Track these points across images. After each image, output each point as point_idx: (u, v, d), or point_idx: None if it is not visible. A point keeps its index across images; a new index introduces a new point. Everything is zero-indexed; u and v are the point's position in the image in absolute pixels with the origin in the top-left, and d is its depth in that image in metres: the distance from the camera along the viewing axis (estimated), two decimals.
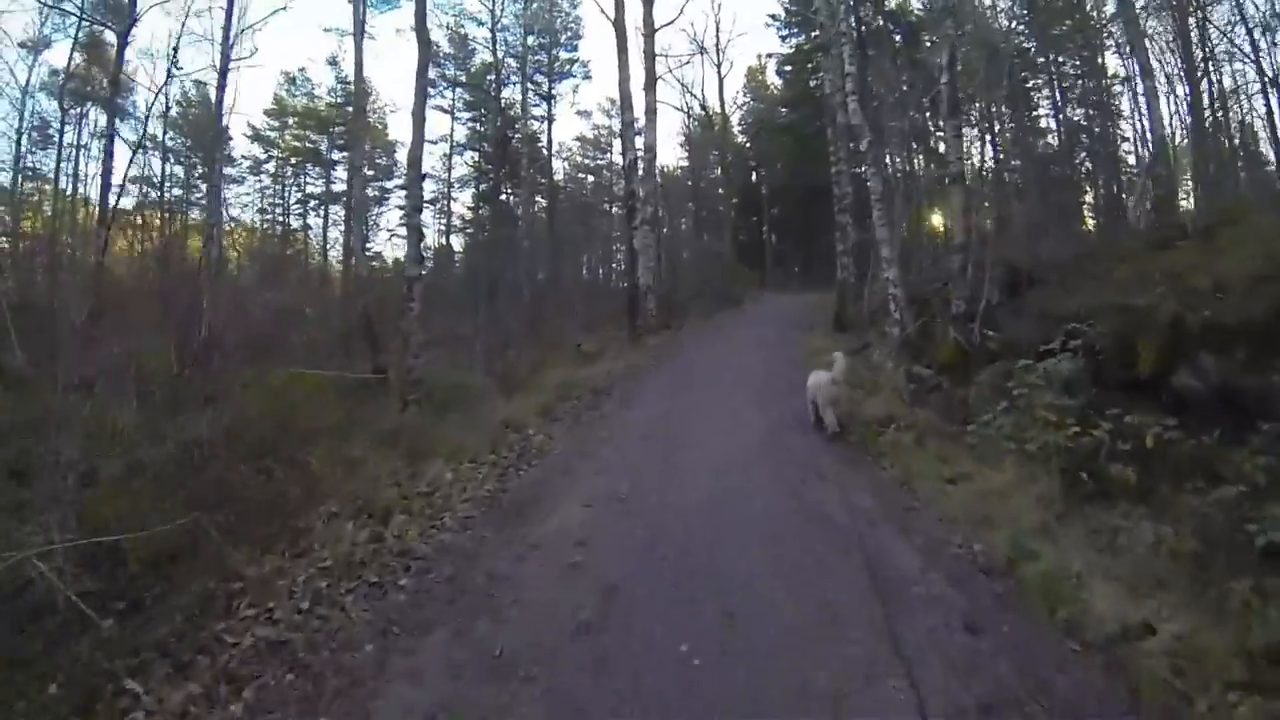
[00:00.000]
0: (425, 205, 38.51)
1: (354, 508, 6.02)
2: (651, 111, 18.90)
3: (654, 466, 7.09)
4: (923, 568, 4.85)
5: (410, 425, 8.65)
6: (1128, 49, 21.34)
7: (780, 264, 37.73)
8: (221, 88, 18.92)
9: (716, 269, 28.76)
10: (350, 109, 31.60)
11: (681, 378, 11.84)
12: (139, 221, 31.36)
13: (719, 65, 32.43)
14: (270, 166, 37.69)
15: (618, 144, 36.92)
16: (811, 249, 36.08)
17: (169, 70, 19.94)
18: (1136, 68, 20.18)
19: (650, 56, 19.27)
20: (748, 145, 40.11)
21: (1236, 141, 22.57)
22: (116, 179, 18.25)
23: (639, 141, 18.64)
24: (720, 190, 38.26)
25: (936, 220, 20.73)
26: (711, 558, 4.99)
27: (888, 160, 22.03)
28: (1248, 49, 19.13)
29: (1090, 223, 25.50)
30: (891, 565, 4.87)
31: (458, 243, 38.75)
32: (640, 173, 18.26)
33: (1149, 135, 20.02)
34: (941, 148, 28.87)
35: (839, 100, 19.90)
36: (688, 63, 27.95)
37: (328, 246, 38.82)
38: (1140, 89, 20.36)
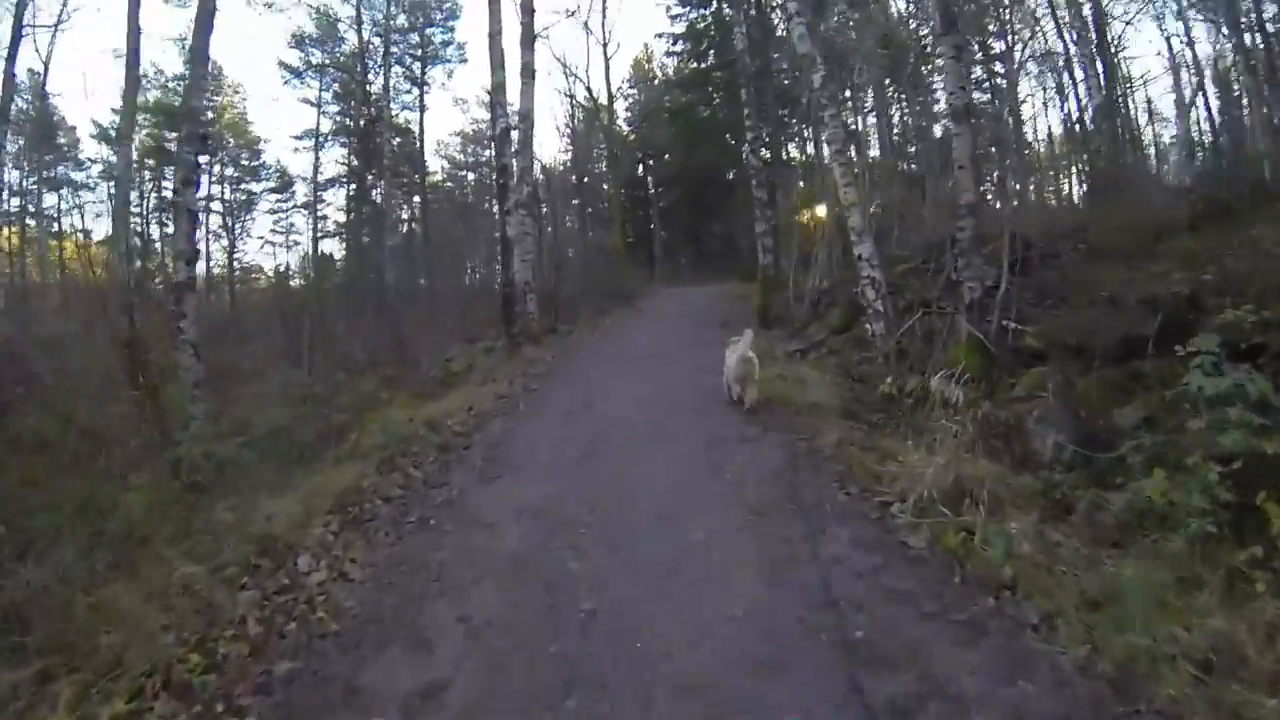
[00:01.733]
0: (300, 210, 33.15)
1: None
2: (529, 73, 14.49)
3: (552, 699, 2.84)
4: None
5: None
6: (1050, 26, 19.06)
7: (669, 257, 34.00)
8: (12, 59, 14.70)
9: (604, 264, 24.51)
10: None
11: (578, 411, 7.54)
12: None
13: (605, 44, 28.18)
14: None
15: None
16: (703, 240, 32.58)
17: None
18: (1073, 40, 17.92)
19: (528, 10, 14.82)
20: (633, 136, 35.96)
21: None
22: None
23: (513, 107, 14.24)
24: (605, 186, 34.09)
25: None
26: None
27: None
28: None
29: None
30: None
31: (336, 249, 32.91)
32: (514, 145, 13.86)
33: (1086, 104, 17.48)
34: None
35: (749, 66, 16.23)
36: (572, 14, 23.91)
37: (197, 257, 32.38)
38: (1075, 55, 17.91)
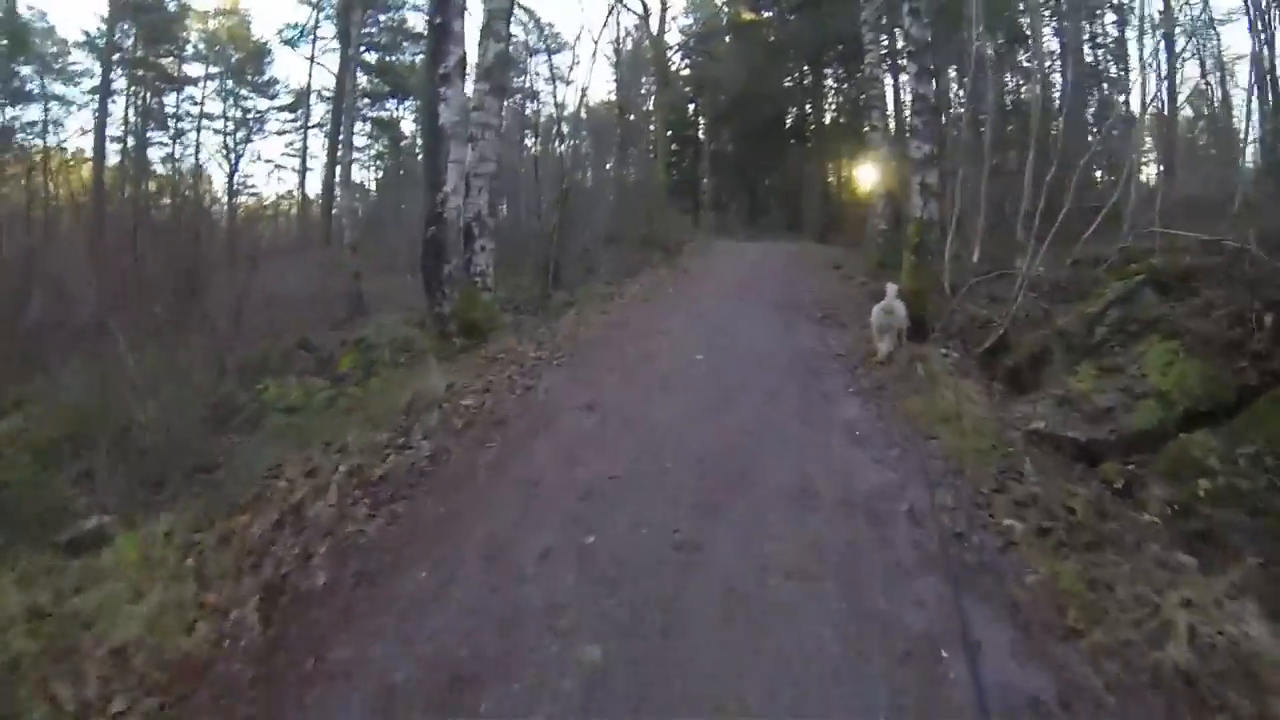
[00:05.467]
0: (311, 129, 26.77)
1: None
2: None
3: None
4: None
5: None
6: None
7: (717, 206, 27.01)
8: None
9: (641, 206, 17.34)
10: None
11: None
12: None
13: None
14: (122, 84, 24.49)
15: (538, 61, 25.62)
16: (756, 192, 25.83)
17: None
18: None
19: None
20: (686, 69, 28.29)
21: None
22: None
23: None
24: (651, 126, 26.53)
25: None
26: None
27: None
28: None
29: None
30: None
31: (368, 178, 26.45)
32: None
33: None
34: None
35: None
36: None
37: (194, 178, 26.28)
38: None
